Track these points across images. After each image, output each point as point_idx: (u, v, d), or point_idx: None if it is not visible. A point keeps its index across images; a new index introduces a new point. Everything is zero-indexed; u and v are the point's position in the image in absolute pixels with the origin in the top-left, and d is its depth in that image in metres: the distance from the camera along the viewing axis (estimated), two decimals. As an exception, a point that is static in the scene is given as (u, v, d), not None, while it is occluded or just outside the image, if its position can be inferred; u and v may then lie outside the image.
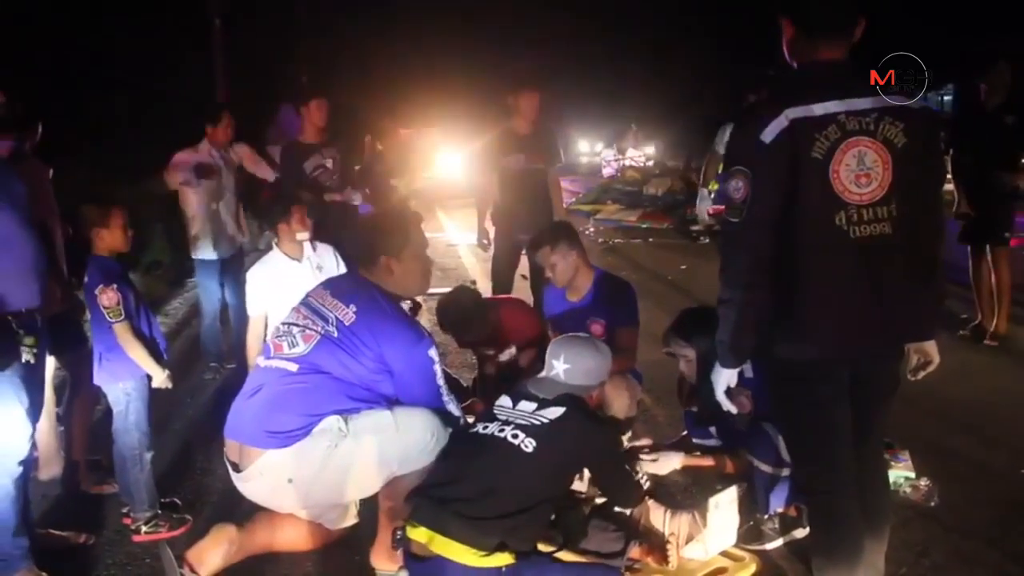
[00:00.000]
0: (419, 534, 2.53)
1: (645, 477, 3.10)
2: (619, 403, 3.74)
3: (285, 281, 4.22)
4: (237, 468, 2.91)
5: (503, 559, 2.50)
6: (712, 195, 6.06)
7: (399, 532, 2.60)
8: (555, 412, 2.76)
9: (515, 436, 2.68)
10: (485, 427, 2.79)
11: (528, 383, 2.95)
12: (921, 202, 2.33)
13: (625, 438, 3.75)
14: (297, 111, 5.85)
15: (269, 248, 4.52)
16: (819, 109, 2.22)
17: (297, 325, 2.98)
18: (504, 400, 2.91)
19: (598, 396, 3.11)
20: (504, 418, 2.79)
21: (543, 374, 2.95)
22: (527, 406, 2.81)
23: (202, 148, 5.42)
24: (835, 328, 2.31)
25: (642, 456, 3.37)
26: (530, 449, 2.64)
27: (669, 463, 3.39)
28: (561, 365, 2.90)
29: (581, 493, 3.25)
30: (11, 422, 2.86)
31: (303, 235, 4.39)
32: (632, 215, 13.22)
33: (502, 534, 2.50)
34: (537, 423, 2.73)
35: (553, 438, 2.69)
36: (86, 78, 14.34)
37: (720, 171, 5.79)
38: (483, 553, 2.47)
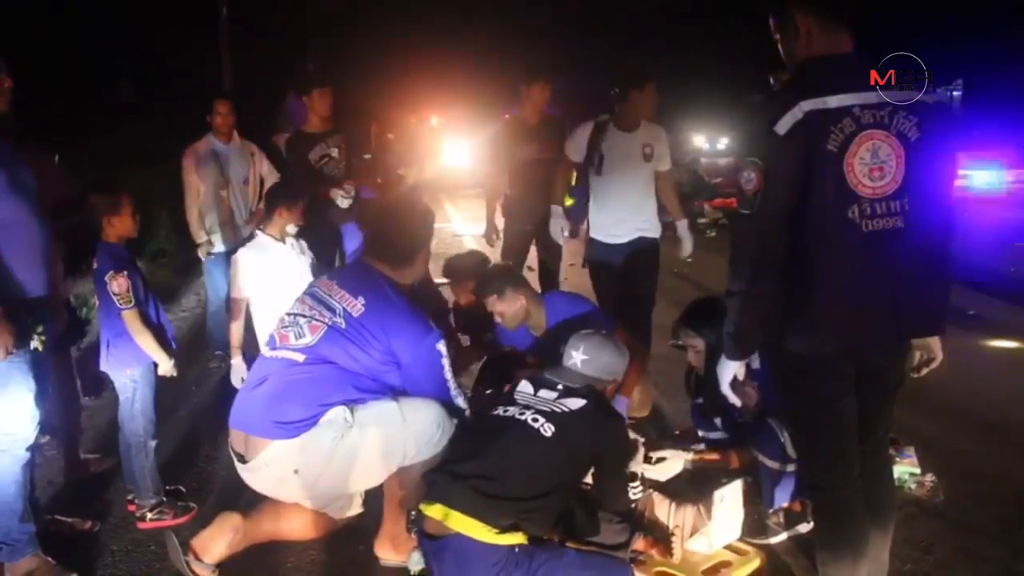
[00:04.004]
0: (434, 511, 2.55)
1: (639, 490, 3.08)
2: (636, 401, 3.75)
3: (274, 264, 4.21)
4: (243, 459, 2.91)
5: (516, 538, 2.52)
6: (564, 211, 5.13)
7: (413, 512, 2.63)
8: (576, 403, 2.80)
9: (535, 420, 2.72)
10: (505, 410, 2.83)
11: (547, 371, 3.01)
12: (933, 196, 2.32)
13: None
14: (300, 100, 5.81)
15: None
16: (834, 102, 2.20)
17: (303, 316, 2.97)
18: (525, 386, 2.94)
19: (612, 390, 3.13)
20: (525, 403, 2.84)
21: (562, 363, 3.01)
22: (548, 394, 2.86)
23: (205, 140, 5.41)
24: (846, 322, 2.30)
25: (647, 464, 3.37)
26: (548, 434, 2.68)
27: (673, 467, 3.39)
28: (579, 356, 2.98)
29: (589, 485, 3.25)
30: (19, 408, 2.86)
31: (294, 228, 4.31)
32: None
33: (515, 516, 2.53)
34: (558, 411, 2.77)
35: (572, 427, 2.73)
36: (93, 66, 14.35)
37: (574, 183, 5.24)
38: (496, 530, 2.49)
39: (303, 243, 4.43)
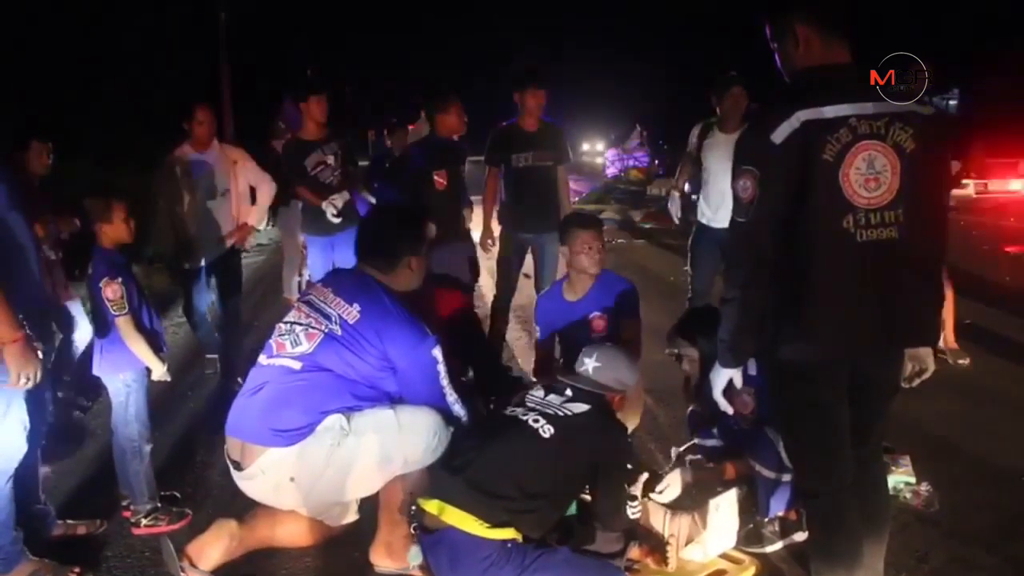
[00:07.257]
0: (431, 505, 2.61)
1: (638, 510, 3.09)
2: (628, 413, 3.75)
3: None
4: (239, 466, 2.90)
5: (508, 533, 2.56)
6: (681, 197, 5.93)
7: (413, 508, 2.68)
8: (580, 407, 2.86)
9: (536, 421, 2.78)
10: (512, 411, 2.90)
11: (558, 375, 3.07)
12: (927, 207, 2.33)
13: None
14: (296, 106, 5.79)
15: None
16: (830, 111, 2.21)
17: (300, 324, 2.96)
18: (537, 390, 3.02)
19: (620, 401, 3.14)
20: (531, 405, 2.90)
21: (574, 369, 3.06)
22: (555, 398, 2.93)
23: (181, 149, 5.05)
24: (838, 330, 2.30)
25: (652, 495, 3.37)
26: (547, 435, 2.74)
27: (676, 489, 3.40)
28: (592, 363, 3.04)
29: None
30: (18, 430, 2.83)
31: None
32: (635, 215, 13.22)
33: (507, 515, 2.57)
34: (560, 414, 2.83)
35: (571, 430, 2.78)
36: (93, 71, 14.36)
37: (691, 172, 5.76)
38: (488, 525, 2.53)
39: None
